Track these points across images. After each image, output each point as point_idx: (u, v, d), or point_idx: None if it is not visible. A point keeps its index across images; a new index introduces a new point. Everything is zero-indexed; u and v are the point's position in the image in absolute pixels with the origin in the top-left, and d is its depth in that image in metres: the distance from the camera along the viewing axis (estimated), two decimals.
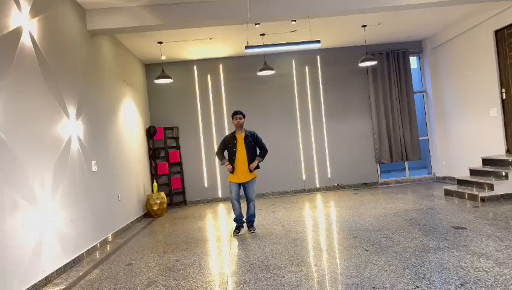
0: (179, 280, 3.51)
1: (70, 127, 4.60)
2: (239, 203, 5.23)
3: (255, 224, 5.50)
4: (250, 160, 5.15)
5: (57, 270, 3.92)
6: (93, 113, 5.34)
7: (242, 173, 5.15)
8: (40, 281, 3.59)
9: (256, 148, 5.26)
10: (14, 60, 3.53)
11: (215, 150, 8.61)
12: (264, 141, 5.48)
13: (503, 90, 6.70)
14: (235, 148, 5.15)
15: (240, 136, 5.20)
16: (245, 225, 5.38)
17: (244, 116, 5.25)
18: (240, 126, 5.21)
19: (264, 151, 5.27)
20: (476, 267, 3.12)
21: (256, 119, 8.63)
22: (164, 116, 8.64)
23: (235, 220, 5.28)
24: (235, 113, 5.22)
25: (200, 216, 6.95)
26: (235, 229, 5.23)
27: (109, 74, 6.17)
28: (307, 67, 8.79)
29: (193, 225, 6.12)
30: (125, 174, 6.46)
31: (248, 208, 5.25)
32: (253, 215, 5.29)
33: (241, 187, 5.24)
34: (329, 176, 8.79)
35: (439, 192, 7.14)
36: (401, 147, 8.74)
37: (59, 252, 4.03)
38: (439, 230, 4.39)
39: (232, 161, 5.16)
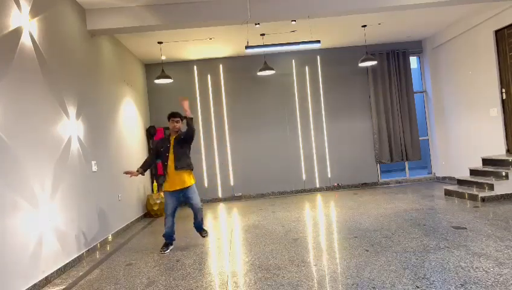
0: (179, 280, 3.51)
1: (70, 127, 4.60)
2: (173, 217, 4.61)
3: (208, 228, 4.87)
4: (177, 166, 4.49)
5: (57, 270, 3.92)
6: (93, 113, 5.34)
7: (178, 178, 4.53)
8: (40, 281, 3.59)
9: (187, 150, 4.66)
10: (14, 60, 3.53)
11: (214, 150, 8.62)
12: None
13: (503, 90, 6.70)
14: (168, 152, 4.54)
15: (173, 137, 4.65)
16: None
17: (182, 118, 4.56)
18: (175, 131, 4.60)
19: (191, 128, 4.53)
20: (476, 267, 3.12)
21: (256, 119, 8.64)
22: (164, 116, 8.50)
23: (164, 235, 4.61)
24: (172, 115, 4.54)
25: None
26: (163, 245, 4.58)
27: (109, 74, 6.17)
28: (307, 67, 8.79)
29: (193, 225, 6.11)
30: (125, 174, 6.44)
31: (195, 215, 4.76)
32: (200, 222, 4.76)
33: (182, 196, 4.61)
34: (329, 176, 8.78)
35: (439, 192, 7.13)
36: (401, 147, 8.74)
37: (59, 252, 4.03)
38: (439, 230, 4.38)
39: (165, 167, 4.57)
